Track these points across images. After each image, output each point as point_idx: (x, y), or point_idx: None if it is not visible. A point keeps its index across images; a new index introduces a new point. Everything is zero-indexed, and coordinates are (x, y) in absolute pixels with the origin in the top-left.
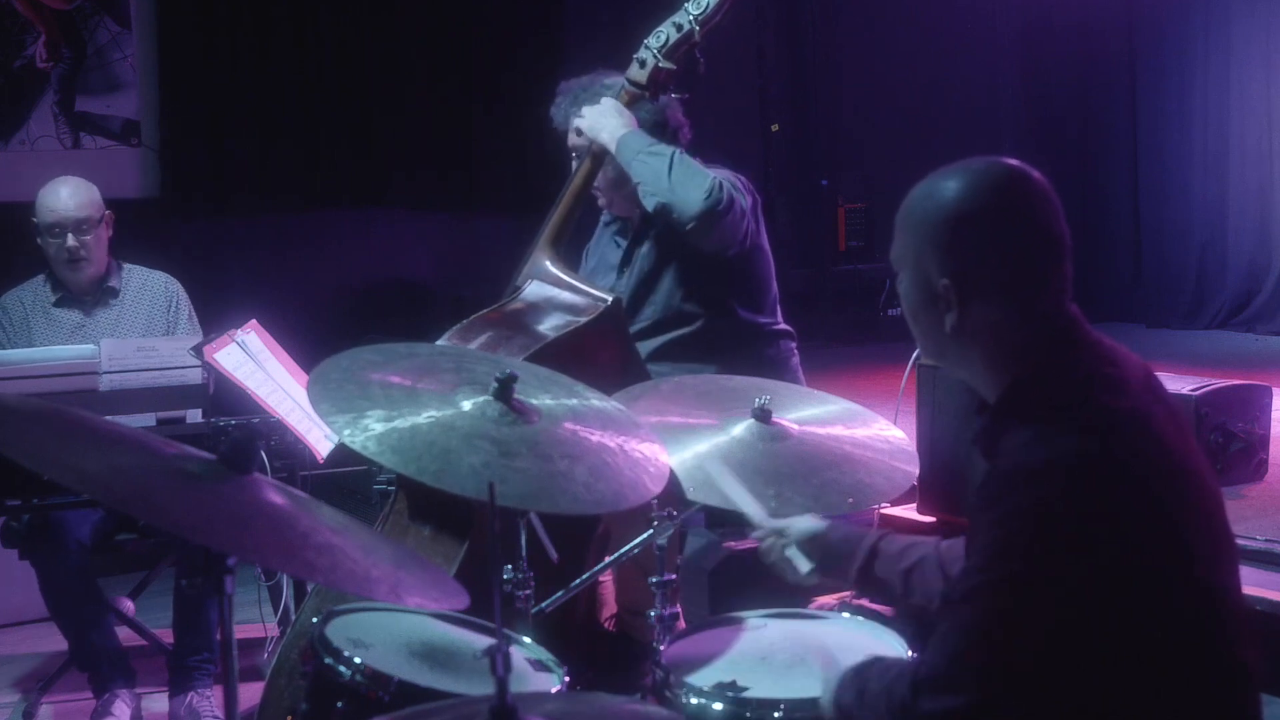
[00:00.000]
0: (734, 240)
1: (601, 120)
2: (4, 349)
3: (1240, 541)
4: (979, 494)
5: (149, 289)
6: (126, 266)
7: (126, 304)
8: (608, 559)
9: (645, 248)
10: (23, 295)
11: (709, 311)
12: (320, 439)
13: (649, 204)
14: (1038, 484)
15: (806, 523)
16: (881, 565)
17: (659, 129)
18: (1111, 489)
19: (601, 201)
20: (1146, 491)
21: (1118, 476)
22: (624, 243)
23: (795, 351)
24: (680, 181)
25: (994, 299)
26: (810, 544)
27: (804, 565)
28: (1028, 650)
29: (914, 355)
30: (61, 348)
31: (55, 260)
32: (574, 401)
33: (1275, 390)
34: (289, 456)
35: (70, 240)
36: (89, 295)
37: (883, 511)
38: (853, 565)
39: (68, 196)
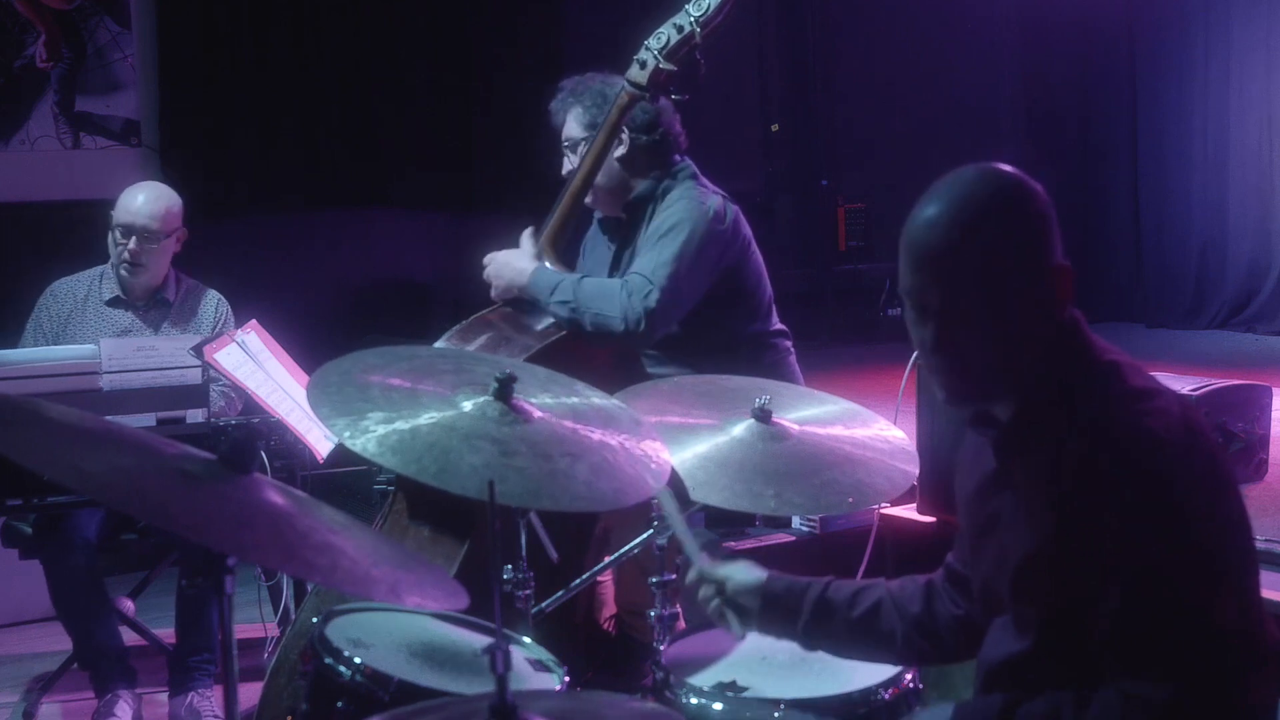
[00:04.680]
0: (681, 314)
1: (503, 271)
2: (27, 344)
3: None
4: (1079, 493)
5: (199, 304)
6: (183, 279)
7: (175, 315)
8: (608, 559)
9: (632, 256)
10: (76, 287)
11: (700, 324)
12: (320, 439)
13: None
14: (1155, 457)
15: (745, 574)
16: (831, 618)
17: (649, 129)
18: (1208, 442)
19: (588, 199)
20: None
21: (1204, 433)
22: (614, 244)
23: (791, 351)
24: (593, 317)
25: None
26: (749, 597)
27: (737, 628)
28: (1227, 609)
29: (914, 355)
30: (62, 348)
31: (115, 258)
32: (574, 400)
33: (1275, 390)
34: (289, 456)
35: (132, 244)
36: (141, 301)
37: (883, 511)
38: (799, 621)
39: (143, 203)
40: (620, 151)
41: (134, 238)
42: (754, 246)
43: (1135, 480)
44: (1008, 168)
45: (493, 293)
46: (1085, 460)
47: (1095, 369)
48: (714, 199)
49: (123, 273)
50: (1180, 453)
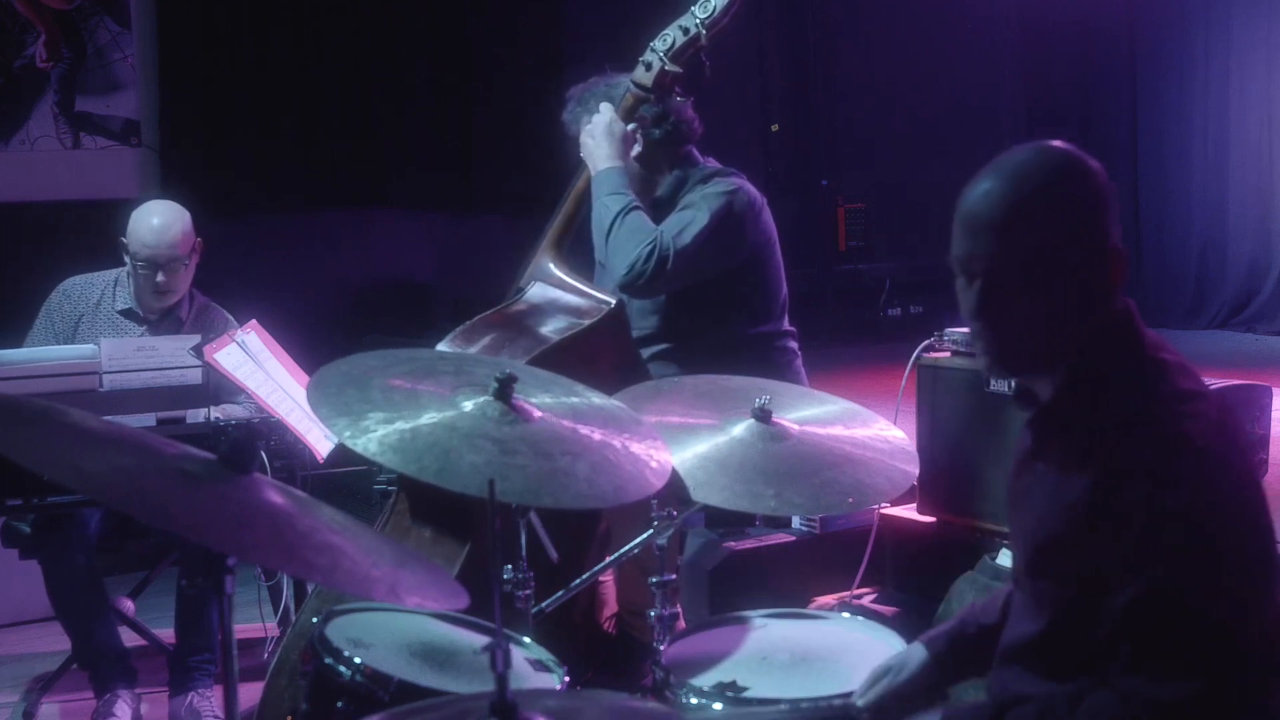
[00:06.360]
0: (684, 285)
1: (593, 147)
2: (34, 342)
3: None
4: (1119, 491)
5: (210, 323)
6: (197, 297)
7: (186, 332)
8: (608, 559)
9: None
10: (89, 290)
11: (715, 324)
12: (320, 439)
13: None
14: (1192, 459)
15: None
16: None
17: (658, 122)
18: (1242, 449)
19: None
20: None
21: (1240, 441)
22: None
23: (798, 354)
24: (614, 245)
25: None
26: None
27: None
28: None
29: (914, 355)
30: (62, 347)
31: (141, 287)
32: (574, 400)
33: (1275, 390)
34: (289, 456)
35: (160, 276)
36: (155, 315)
37: (883, 511)
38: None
39: (160, 232)
40: (635, 151)
41: (160, 270)
42: (777, 246)
43: (1166, 482)
44: (1068, 145)
45: (583, 136)
46: (1119, 456)
47: (1141, 364)
48: (749, 185)
49: (148, 299)
50: (1214, 459)
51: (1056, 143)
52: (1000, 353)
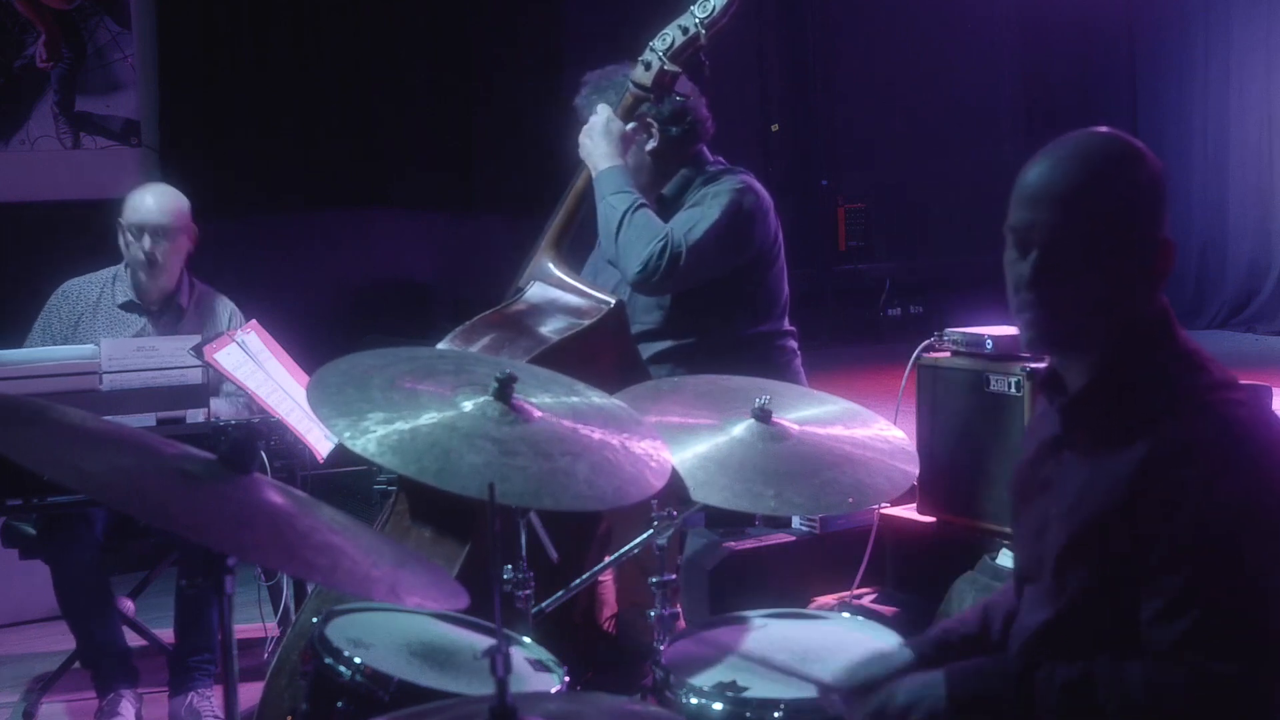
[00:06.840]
0: (695, 283)
1: (591, 148)
2: (34, 344)
3: None
4: (1156, 475)
5: (211, 311)
6: (196, 284)
7: (187, 322)
8: (608, 559)
9: None
10: (88, 289)
11: (719, 322)
12: (320, 439)
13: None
14: (1245, 443)
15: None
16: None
17: (678, 120)
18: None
19: None
20: None
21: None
22: None
23: (798, 353)
24: (625, 244)
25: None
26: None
27: None
28: None
29: (914, 355)
30: (62, 348)
31: (131, 261)
32: (575, 400)
33: (1275, 390)
34: (289, 456)
35: (147, 243)
36: (155, 305)
37: (883, 511)
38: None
39: (153, 201)
40: (651, 145)
41: (147, 236)
42: (782, 246)
43: (1221, 463)
44: (1127, 134)
45: (581, 136)
46: (1169, 439)
47: (1183, 355)
48: (757, 184)
49: (140, 275)
50: (1263, 444)
51: (1111, 130)
52: (1047, 326)
